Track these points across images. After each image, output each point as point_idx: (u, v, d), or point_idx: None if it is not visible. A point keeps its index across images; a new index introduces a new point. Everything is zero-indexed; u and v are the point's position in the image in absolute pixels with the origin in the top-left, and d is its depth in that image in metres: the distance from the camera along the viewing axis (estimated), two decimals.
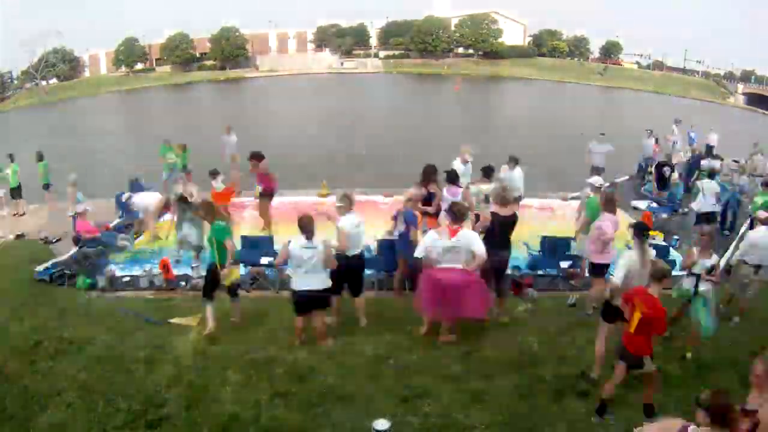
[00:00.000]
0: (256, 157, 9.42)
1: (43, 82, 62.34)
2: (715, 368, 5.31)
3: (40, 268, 7.93)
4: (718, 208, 9.93)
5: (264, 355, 5.43)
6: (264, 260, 7.45)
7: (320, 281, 5.33)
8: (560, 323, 6.17)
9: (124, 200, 9.99)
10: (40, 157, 11.88)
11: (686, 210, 10.76)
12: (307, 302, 5.39)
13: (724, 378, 5.13)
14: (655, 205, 11.75)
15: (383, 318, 6.31)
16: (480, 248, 5.26)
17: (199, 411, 4.57)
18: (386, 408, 4.59)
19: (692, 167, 13.10)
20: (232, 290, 6.04)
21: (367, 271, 7.68)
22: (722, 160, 14.46)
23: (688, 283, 5.73)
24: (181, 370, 5.16)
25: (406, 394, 4.80)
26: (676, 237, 9.61)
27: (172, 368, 5.18)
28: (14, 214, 11.68)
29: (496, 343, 5.68)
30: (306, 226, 5.18)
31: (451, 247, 5.25)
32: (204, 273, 7.69)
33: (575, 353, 5.49)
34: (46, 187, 11.91)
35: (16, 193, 11.74)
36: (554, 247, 8.24)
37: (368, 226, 6.35)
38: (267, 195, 9.52)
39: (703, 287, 5.60)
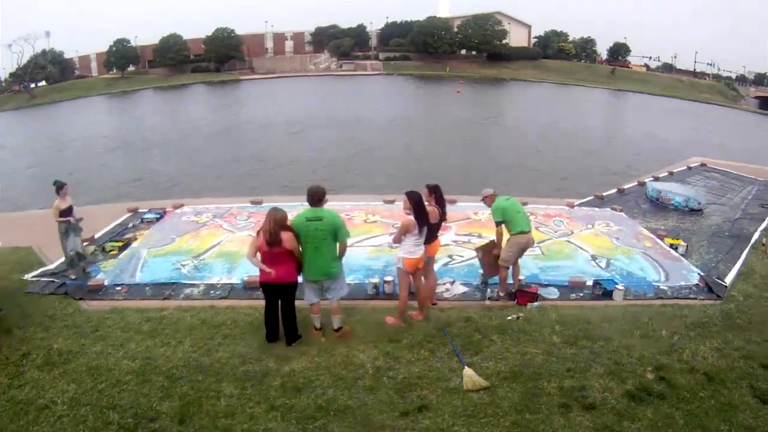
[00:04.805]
0: None
1: (32, 85, 62.63)
2: (726, 381, 5.32)
3: (29, 276, 7.99)
4: None
5: (259, 367, 5.46)
6: None
7: None
8: (565, 334, 6.19)
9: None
10: None
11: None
12: None
13: (736, 391, 5.16)
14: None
15: (383, 328, 6.34)
16: None
17: (192, 425, 4.60)
18: (386, 421, 4.62)
19: None
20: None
21: (366, 280, 7.80)
22: None
23: None
24: (174, 382, 5.19)
25: (407, 407, 4.83)
26: (683, 244, 9.64)
27: (165, 380, 5.21)
28: None
29: (498, 354, 5.71)
30: None
31: None
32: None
33: (581, 365, 5.51)
34: None
35: None
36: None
37: None
38: None
39: None
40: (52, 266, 8.51)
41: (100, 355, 5.71)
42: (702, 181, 15.72)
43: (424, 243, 6.36)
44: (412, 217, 6.11)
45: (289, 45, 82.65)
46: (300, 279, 5.92)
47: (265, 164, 21.52)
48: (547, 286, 7.91)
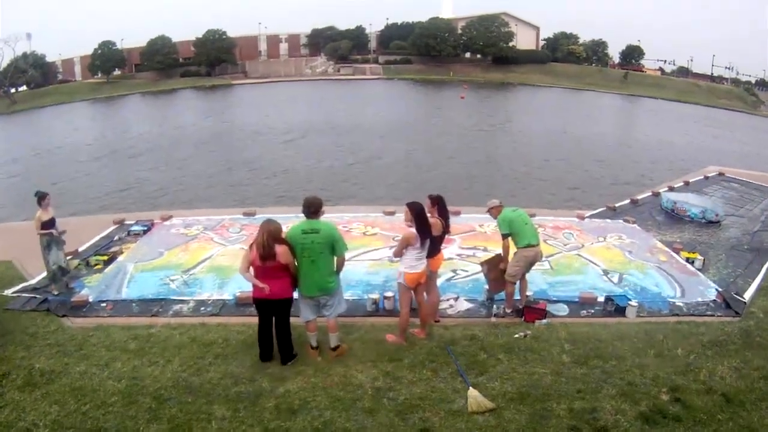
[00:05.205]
0: None
1: (12, 90, 62.99)
2: (745, 403, 5.35)
3: (9, 292, 8.04)
4: None
5: (253, 388, 5.49)
6: None
7: None
8: (575, 353, 6.23)
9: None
10: None
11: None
12: None
13: (756, 413, 5.19)
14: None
15: (383, 347, 6.38)
16: None
17: None
18: None
19: None
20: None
21: (365, 295, 7.86)
22: None
23: None
24: (162, 404, 5.22)
25: (408, 430, 4.85)
26: (700, 258, 9.69)
27: (153, 402, 5.24)
28: None
29: (504, 374, 5.74)
30: None
31: None
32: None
33: (592, 386, 5.54)
34: None
35: None
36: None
37: None
38: None
39: None
40: (33, 281, 8.56)
41: (84, 375, 5.74)
42: (720, 191, 15.81)
43: (427, 257, 6.41)
44: (413, 230, 6.17)
45: (283, 48, 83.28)
46: (295, 295, 5.97)
47: (259, 173, 21.62)
48: (556, 302, 7.97)
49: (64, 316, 7.42)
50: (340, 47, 74.92)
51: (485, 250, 9.89)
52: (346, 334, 6.58)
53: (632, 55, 78.41)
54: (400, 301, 6.58)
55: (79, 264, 9.27)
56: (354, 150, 25.89)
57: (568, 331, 6.87)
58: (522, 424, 4.94)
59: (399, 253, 6.29)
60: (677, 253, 10.07)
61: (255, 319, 6.10)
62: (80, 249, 9.99)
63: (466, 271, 9.09)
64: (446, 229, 6.95)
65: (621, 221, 12.18)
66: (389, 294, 7.64)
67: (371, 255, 9.76)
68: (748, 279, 9.08)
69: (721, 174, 17.95)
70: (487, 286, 7.99)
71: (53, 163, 25.78)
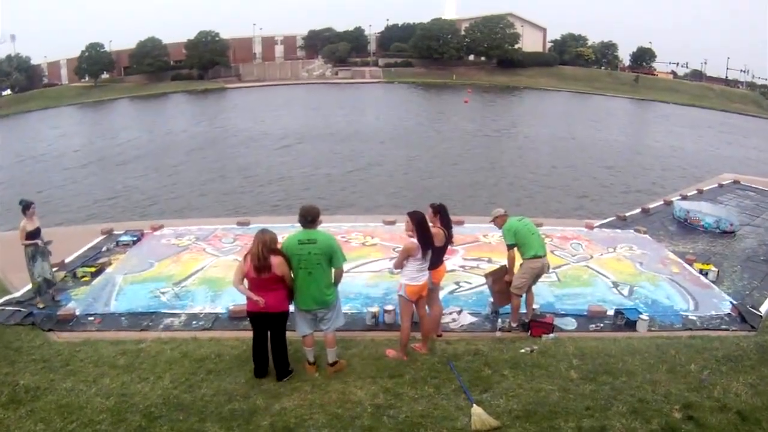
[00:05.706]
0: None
1: None
2: (761, 421, 5.36)
3: None
4: None
5: (247, 405, 5.50)
6: None
7: None
8: (584, 368, 6.25)
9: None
10: None
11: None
12: None
13: None
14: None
15: (383, 362, 6.40)
16: None
17: None
18: None
19: None
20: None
21: (364, 309, 7.89)
22: None
23: None
24: (153, 422, 5.23)
25: None
26: (714, 269, 9.72)
27: (142, 420, 5.25)
28: None
29: (510, 391, 5.76)
30: None
31: None
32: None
33: (601, 403, 5.56)
34: None
35: None
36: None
37: None
38: None
39: None
40: (18, 294, 8.59)
41: (71, 391, 5.75)
42: (735, 200, 15.87)
43: (429, 268, 6.45)
44: (414, 240, 6.19)
45: (279, 50, 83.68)
46: (291, 308, 6.00)
47: (253, 181, 21.72)
48: (563, 315, 8.00)
49: (50, 330, 7.44)
50: (338, 49, 75.21)
51: (490, 261, 9.93)
52: (344, 349, 6.60)
53: (643, 57, 78.73)
54: (400, 314, 6.59)
55: (65, 276, 9.30)
56: (353, 156, 26.00)
57: (577, 345, 6.89)
58: None
59: (400, 265, 6.32)
60: (690, 265, 10.10)
61: (249, 334, 6.11)
62: (67, 260, 10.03)
63: (470, 283, 9.13)
64: (449, 239, 6.98)
65: (632, 231, 12.23)
66: (389, 307, 7.67)
67: (371, 266, 9.80)
68: (764, 291, 9.11)
69: (736, 182, 18.00)
70: (491, 299, 8.02)
71: (39, 170, 25.89)
